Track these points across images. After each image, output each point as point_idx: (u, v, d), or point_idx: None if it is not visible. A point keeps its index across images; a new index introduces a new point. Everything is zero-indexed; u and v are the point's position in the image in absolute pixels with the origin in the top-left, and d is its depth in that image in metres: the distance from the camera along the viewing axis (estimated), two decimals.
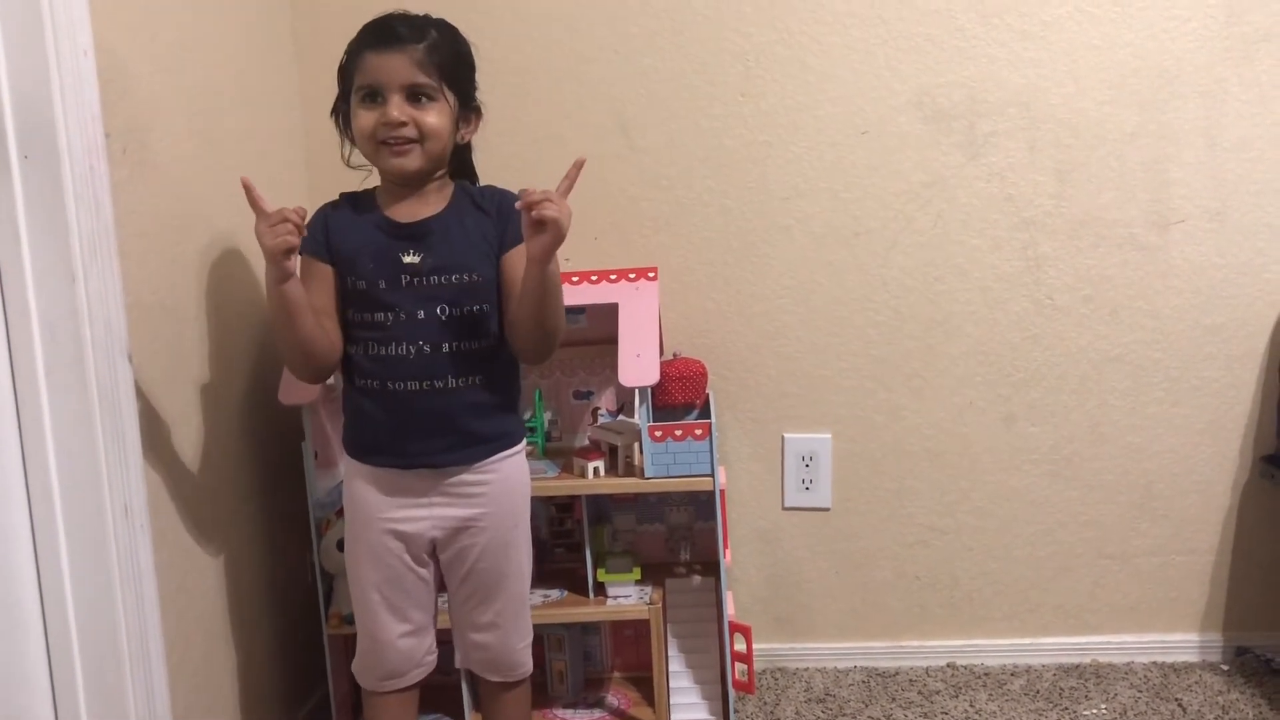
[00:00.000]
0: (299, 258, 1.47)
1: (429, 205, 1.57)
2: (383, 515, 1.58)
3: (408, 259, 1.53)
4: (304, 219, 1.45)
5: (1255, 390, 2.13)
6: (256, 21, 2.00)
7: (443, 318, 1.53)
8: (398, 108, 1.49)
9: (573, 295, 2.01)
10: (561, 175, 1.44)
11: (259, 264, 1.90)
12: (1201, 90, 2.04)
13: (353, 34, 1.56)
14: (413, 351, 1.53)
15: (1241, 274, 2.09)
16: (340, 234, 1.52)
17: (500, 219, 1.56)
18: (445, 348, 1.53)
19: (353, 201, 1.60)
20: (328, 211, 1.59)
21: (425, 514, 1.58)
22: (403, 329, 1.53)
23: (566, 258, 2.09)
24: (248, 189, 1.44)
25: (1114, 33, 2.03)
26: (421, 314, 1.53)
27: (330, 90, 1.61)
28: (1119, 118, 2.06)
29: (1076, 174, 2.08)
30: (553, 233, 1.42)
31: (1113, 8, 2.03)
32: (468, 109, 1.58)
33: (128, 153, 1.51)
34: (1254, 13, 2.01)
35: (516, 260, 1.54)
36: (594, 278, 2.04)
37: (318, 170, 2.12)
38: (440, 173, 1.58)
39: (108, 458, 1.41)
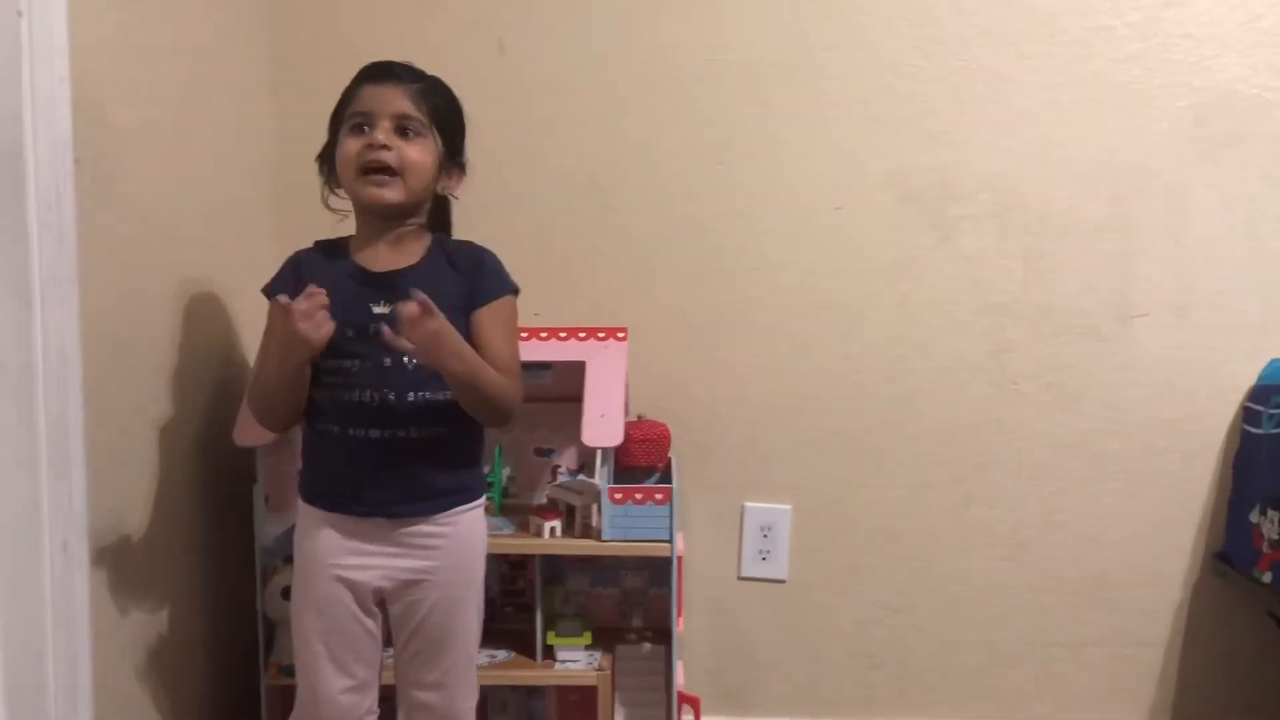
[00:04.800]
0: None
1: (403, 254, 1.55)
2: (332, 561, 1.54)
3: (378, 309, 1.52)
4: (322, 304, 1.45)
5: (1209, 486, 2.15)
6: (237, 62, 2.00)
7: (409, 367, 1.51)
8: (384, 133, 1.49)
9: (540, 351, 2.00)
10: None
11: (221, 300, 1.89)
12: (1168, 188, 2.08)
13: (334, 83, 1.56)
14: (376, 399, 1.51)
15: (1200, 370, 2.12)
16: (312, 279, 1.50)
17: (471, 276, 1.55)
18: (410, 396, 1.52)
19: (326, 249, 1.59)
20: (301, 257, 1.58)
21: (377, 563, 1.55)
22: (368, 376, 1.51)
23: (536, 313, 2.10)
24: (286, 308, 1.42)
25: (1085, 128, 2.08)
26: (388, 361, 1.51)
27: (304, 135, 1.60)
28: (1087, 210, 2.09)
29: (1043, 262, 2.11)
30: (422, 354, 1.42)
31: (1085, 103, 2.07)
32: (452, 161, 1.58)
33: (96, 181, 1.49)
34: (1221, 117, 2.07)
35: (486, 318, 1.53)
36: (563, 334, 2.03)
37: (287, 214, 2.10)
38: (417, 219, 1.57)
39: (50, 491, 1.36)
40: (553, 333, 2.03)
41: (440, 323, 1.41)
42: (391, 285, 1.52)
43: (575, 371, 1.99)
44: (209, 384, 1.86)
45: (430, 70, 1.57)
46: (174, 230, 1.74)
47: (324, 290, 1.45)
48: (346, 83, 1.56)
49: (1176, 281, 2.10)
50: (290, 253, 1.61)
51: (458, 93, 1.59)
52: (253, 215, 2.06)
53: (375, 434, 1.51)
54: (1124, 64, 2.06)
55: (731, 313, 2.15)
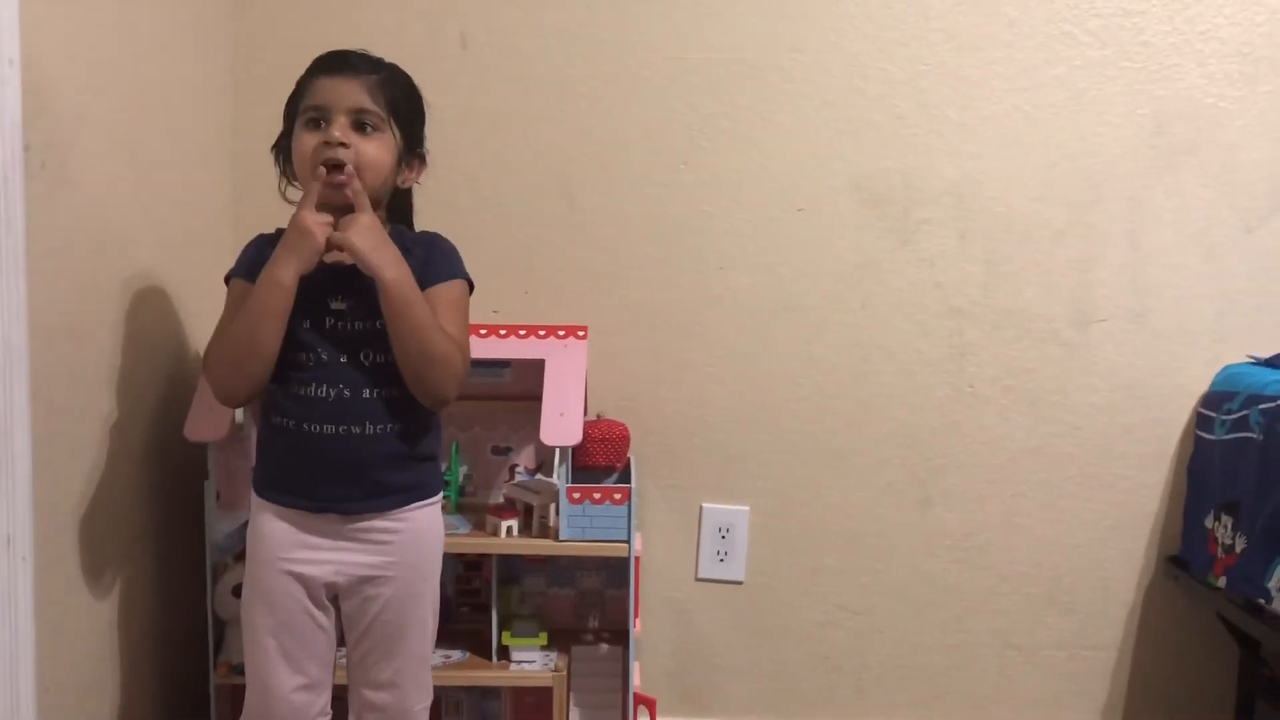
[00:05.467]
0: None
1: None
2: (284, 555, 1.51)
3: (335, 304, 1.50)
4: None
5: (1164, 491, 2.17)
6: (194, 49, 1.96)
7: (365, 363, 1.50)
8: (340, 129, 1.46)
9: (499, 349, 1.98)
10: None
11: (175, 294, 1.86)
12: (1127, 195, 2.10)
13: (293, 71, 1.53)
14: (332, 394, 1.49)
15: (1157, 376, 2.14)
16: None
17: (424, 260, 1.53)
18: (366, 393, 1.50)
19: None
20: (264, 242, 1.55)
21: (330, 558, 1.52)
22: (323, 371, 1.49)
23: (495, 310, 2.08)
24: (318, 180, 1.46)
25: (1048, 134, 2.09)
26: (344, 358, 1.49)
27: (264, 126, 1.58)
28: (1048, 215, 2.11)
29: (1004, 266, 2.12)
30: (349, 250, 1.44)
31: (1048, 109, 2.09)
32: (412, 153, 1.56)
33: (46, 168, 1.45)
34: (1179, 125, 2.09)
35: (433, 295, 1.51)
36: (522, 332, 2.02)
37: (245, 204, 2.07)
38: (376, 213, 1.55)
39: None
40: (512, 330, 2.02)
41: (373, 217, 1.46)
42: (347, 279, 1.50)
43: (534, 370, 1.97)
44: (160, 378, 1.83)
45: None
46: (127, 220, 1.70)
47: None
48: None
49: (1134, 287, 2.12)
50: (249, 241, 1.58)
51: (420, 88, 1.57)
52: (209, 206, 2.02)
53: (330, 430, 1.48)
54: (1085, 70, 2.08)
55: (693, 312, 2.14)
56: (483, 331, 1.98)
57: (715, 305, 2.14)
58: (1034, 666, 2.21)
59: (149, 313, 1.77)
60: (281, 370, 1.50)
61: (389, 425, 1.51)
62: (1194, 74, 2.08)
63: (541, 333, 2.02)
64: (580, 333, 2.02)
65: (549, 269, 2.13)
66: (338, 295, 1.50)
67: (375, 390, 1.50)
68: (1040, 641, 2.20)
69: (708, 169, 2.11)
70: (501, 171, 2.11)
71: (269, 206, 1.58)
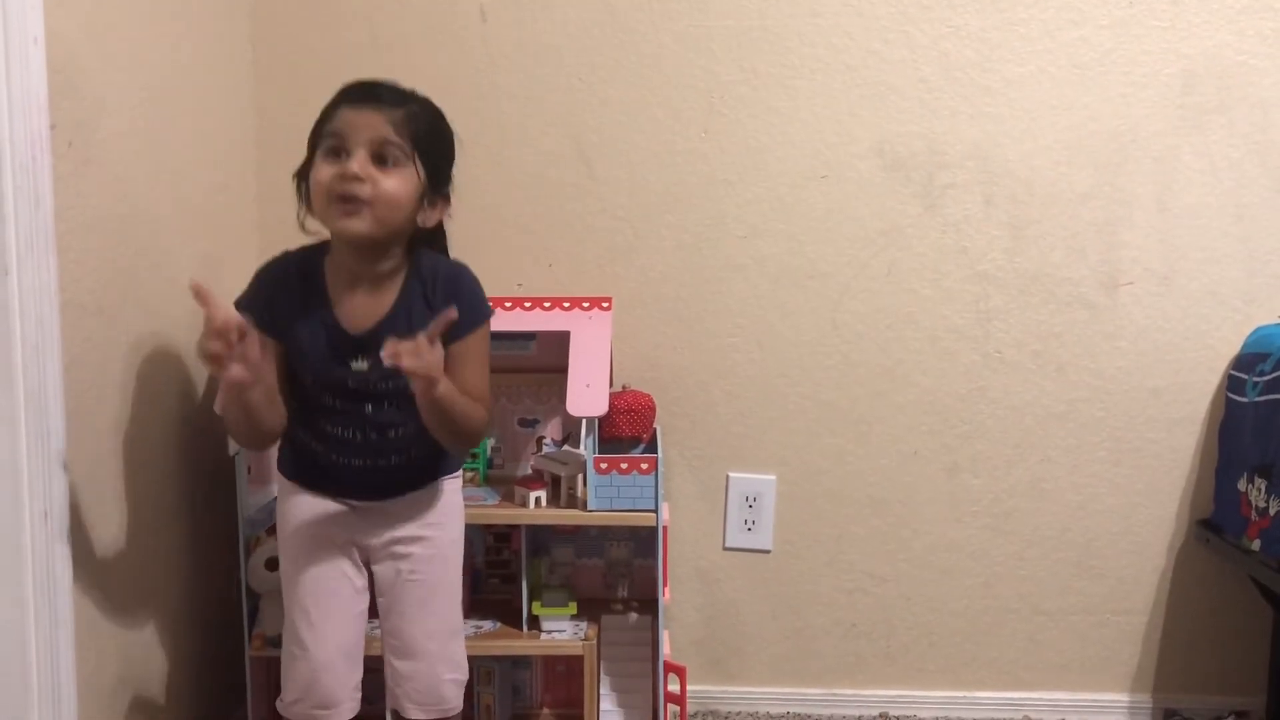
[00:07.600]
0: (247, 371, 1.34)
1: (379, 302, 1.48)
2: (315, 522, 1.56)
3: (355, 365, 1.49)
4: (244, 334, 1.32)
5: (1194, 454, 2.15)
6: (214, 26, 1.96)
7: (388, 408, 1.52)
8: (359, 162, 1.40)
9: (524, 321, 1.99)
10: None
11: (201, 270, 1.87)
12: (1154, 156, 2.07)
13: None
14: (358, 436, 1.53)
15: (1185, 338, 2.12)
16: (286, 319, 1.47)
17: (443, 306, 1.44)
18: (391, 433, 1.53)
19: (301, 275, 1.51)
20: (273, 288, 1.51)
21: (360, 522, 1.57)
22: (348, 418, 1.52)
23: (519, 283, 2.09)
24: (200, 295, 1.32)
25: (1073, 95, 2.06)
26: (369, 408, 1.52)
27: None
28: (1074, 177, 2.08)
29: (1030, 230, 2.10)
30: (419, 379, 1.36)
31: (1073, 70, 2.06)
32: (436, 192, 1.49)
33: (73, 147, 1.46)
34: (1207, 85, 2.05)
35: (458, 352, 1.48)
36: (546, 304, 2.02)
37: (267, 180, 2.07)
38: (395, 254, 1.50)
39: (30, 459, 1.35)
40: (536, 303, 2.02)
41: (437, 352, 1.37)
42: (368, 344, 1.47)
43: (559, 342, 1.98)
44: (188, 354, 1.84)
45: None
46: (152, 198, 1.71)
47: (245, 325, 1.33)
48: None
49: (1162, 249, 2.10)
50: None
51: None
52: (233, 183, 2.03)
53: (357, 462, 1.54)
54: (1110, 30, 2.05)
55: (717, 282, 2.14)
56: (507, 305, 1.99)
57: (738, 274, 2.13)
58: (1063, 632, 2.21)
59: (176, 289, 1.78)
60: (307, 406, 1.52)
61: (414, 452, 1.55)
62: (1223, 31, 2.05)
63: (566, 304, 2.02)
64: (604, 304, 2.02)
65: (572, 241, 2.13)
66: (358, 355, 1.49)
67: (399, 429, 1.53)
68: (1069, 606, 2.20)
69: (728, 137, 2.10)
70: (522, 144, 2.11)
71: (289, 186, 1.58)
